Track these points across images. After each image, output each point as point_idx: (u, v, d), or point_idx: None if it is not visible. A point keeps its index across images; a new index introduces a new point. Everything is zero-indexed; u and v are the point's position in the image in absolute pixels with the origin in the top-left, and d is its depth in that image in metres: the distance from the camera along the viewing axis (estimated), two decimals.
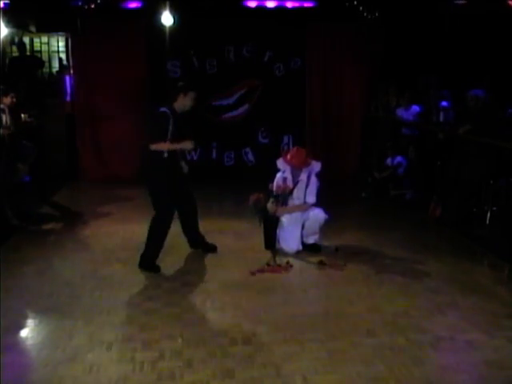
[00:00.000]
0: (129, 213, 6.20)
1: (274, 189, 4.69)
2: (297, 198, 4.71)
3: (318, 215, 4.71)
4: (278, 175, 4.76)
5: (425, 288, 4.03)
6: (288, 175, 4.71)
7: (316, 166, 4.79)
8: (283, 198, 4.63)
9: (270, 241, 4.76)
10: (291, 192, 4.67)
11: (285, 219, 4.71)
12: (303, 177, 4.69)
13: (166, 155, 4.21)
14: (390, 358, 3.01)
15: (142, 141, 4.32)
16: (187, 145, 4.31)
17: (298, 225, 4.72)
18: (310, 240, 4.79)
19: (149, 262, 4.35)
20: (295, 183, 4.69)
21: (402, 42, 7.30)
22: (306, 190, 4.68)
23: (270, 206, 4.66)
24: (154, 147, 4.16)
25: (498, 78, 6.11)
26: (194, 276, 4.28)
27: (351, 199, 7.08)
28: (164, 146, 4.18)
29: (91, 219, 5.93)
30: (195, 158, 7.93)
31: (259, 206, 4.67)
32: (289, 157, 4.71)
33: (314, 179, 4.72)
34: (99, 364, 2.93)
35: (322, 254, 4.69)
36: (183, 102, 4.30)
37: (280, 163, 4.76)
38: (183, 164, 4.53)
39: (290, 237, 4.71)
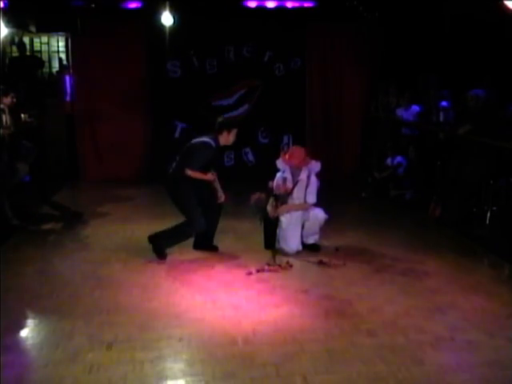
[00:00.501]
0: (129, 213, 6.21)
1: (274, 189, 4.70)
2: (297, 198, 4.71)
3: (317, 215, 4.71)
4: (278, 175, 4.76)
5: (425, 288, 4.03)
6: (288, 175, 4.71)
7: (315, 165, 4.78)
8: (282, 198, 4.64)
9: (270, 240, 4.76)
10: (291, 193, 4.67)
11: (284, 219, 4.70)
12: (303, 176, 4.69)
13: (188, 177, 4.46)
14: (390, 358, 3.00)
15: (180, 167, 4.50)
16: (210, 177, 4.54)
17: (298, 225, 4.71)
18: (310, 240, 4.79)
19: (159, 244, 4.53)
20: (295, 183, 4.69)
21: (401, 41, 7.30)
22: (306, 189, 4.68)
23: (269, 208, 4.67)
24: (189, 173, 4.42)
25: (499, 78, 6.10)
26: (194, 276, 4.27)
27: (351, 199, 7.07)
28: (197, 175, 4.45)
29: (91, 219, 5.93)
30: None
31: (260, 206, 4.67)
32: (287, 156, 4.70)
33: (313, 179, 4.71)
34: (99, 364, 2.93)
35: (322, 253, 4.69)
36: (227, 138, 4.55)
37: (279, 163, 4.76)
38: (219, 190, 4.69)
39: (289, 237, 4.70)
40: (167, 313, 3.58)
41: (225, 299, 3.80)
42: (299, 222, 4.71)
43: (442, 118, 6.33)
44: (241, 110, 7.98)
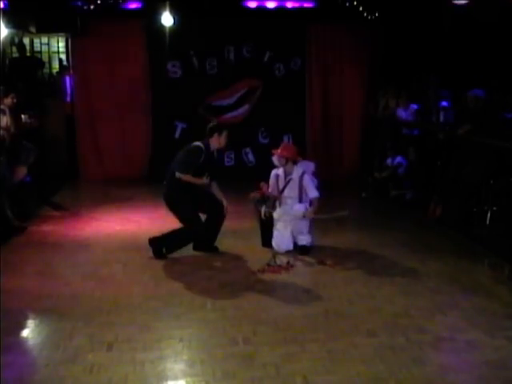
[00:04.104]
0: (129, 213, 6.20)
1: (268, 190, 4.74)
2: (288, 196, 4.71)
3: (297, 211, 4.67)
4: (273, 172, 4.80)
5: (425, 288, 4.03)
6: (281, 173, 4.74)
7: (309, 165, 4.82)
8: (271, 202, 4.72)
9: (266, 239, 4.78)
10: (279, 195, 4.71)
11: (276, 218, 4.71)
12: (295, 176, 4.70)
13: (182, 182, 4.51)
14: (390, 358, 3.00)
15: (172, 173, 4.56)
16: (203, 181, 4.57)
17: (288, 225, 4.70)
18: (301, 241, 4.77)
19: (159, 248, 4.57)
20: (286, 182, 4.70)
21: (401, 41, 7.30)
22: (301, 189, 4.66)
23: (262, 210, 4.76)
24: (178, 175, 4.48)
25: (499, 78, 6.09)
26: (194, 276, 4.26)
27: (351, 199, 7.08)
28: (189, 179, 4.48)
29: (91, 219, 5.92)
30: None
31: (260, 202, 4.74)
32: (279, 150, 4.73)
33: (307, 178, 4.70)
34: (99, 364, 2.92)
35: (322, 254, 4.69)
36: (219, 141, 4.60)
37: (275, 159, 4.78)
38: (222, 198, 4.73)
39: (280, 236, 4.71)
40: (168, 313, 3.58)
41: (225, 299, 3.80)
42: (288, 222, 4.69)
43: (442, 118, 6.33)
44: (241, 110, 7.99)
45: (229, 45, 7.82)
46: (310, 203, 4.73)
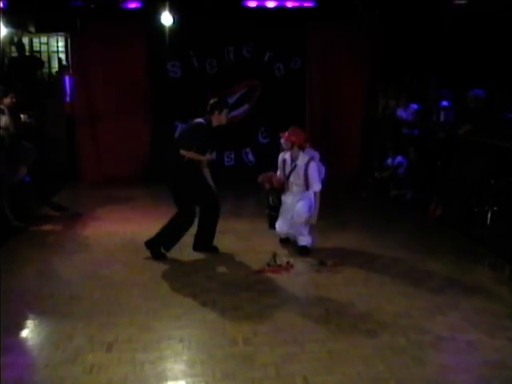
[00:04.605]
0: (129, 213, 6.20)
1: (277, 180, 4.78)
2: (294, 182, 4.71)
3: (300, 211, 4.63)
4: (280, 155, 4.82)
5: (425, 288, 4.03)
6: (288, 158, 4.74)
7: (315, 153, 4.81)
8: (276, 192, 4.77)
9: (273, 223, 4.85)
10: (286, 180, 4.74)
11: (282, 207, 4.75)
12: (300, 163, 4.67)
13: (186, 159, 4.46)
14: (390, 358, 3.00)
15: (172, 142, 4.63)
16: (206, 157, 4.57)
17: (290, 210, 4.70)
18: (301, 241, 4.76)
19: (156, 248, 4.56)
20: (293, 167, 4.70)
21: (401, 41, 7.28)
22: (307, 177, 4.64)
23: (270, 199, 4.83)
24: (183, 152, 4.44)
25: (500, 77, 6.08)
26: (194, 277, 4.26)
27: (351, 199, 7.06)
28: (192, 155, 4.45)
29: (91, 220, 5.92)
30: None
31: (267, 188, 4.83)
32: (286, 134, 4.71)
33: (313, 166, 4.66)
34: (99, 365, 2.92)
35: (322, 254, 4.67)
36: (219, 118, 4.58)
37: (283, 142, 4.77)
38: (206, 170, 4.70)
39: (281, 218, 4.76)
40: (168, 314, 3.57)
41: (225, 300, 3.79)
42: (291, 208, 4.68)
43: (442, 118, 6.32)
44: (241, 110, 7.97)
45: (229, 45, 7.81)
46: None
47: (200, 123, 4.51)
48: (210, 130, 4.55)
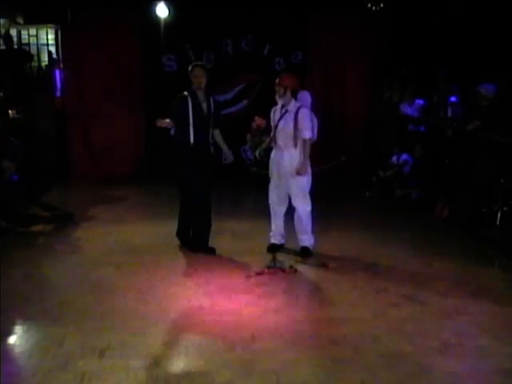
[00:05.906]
0: (122, 214, 6.14)
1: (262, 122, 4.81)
2: (282, 130, 4.54)
3: (303, 212, 4.54)
4: (272, 109, 4.70)
5: (432, 291, 3.91)
6: (278, 106, 4.59)
7: (305, 95, 4.66)
8: (260, 133, 4.77)
9: (261, 184, 4.80)
10: (266, 128, 4.71)
11: (272, 176, 4.65)
12: (291, 108, 4.51)
13: (172, 132, 4.60)
14: (395, 365, 2.91)
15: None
16: (165, 123, 4.59)
17: (280, 184, 4.59)
18: (304, 241, 4.64)
19: (204, 244, 4.67)
20: (282, 113, 4.54)
21: (407, 34, 7.22)
22: (296, 126, 4.47)
23: (257, 152, 4.88)
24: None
25: (511, 72, 5.94)
26: (190, 279, 4.15)
27: (355, 199, 7.01)
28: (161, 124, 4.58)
29: (82, 220, 5.84)
30: None
31: (256, 139, 4.89)
32: (278, 80, 4.55)
33: (305, 111, 4.50)
34: (91, 372, 2.83)
35: (324, 256, 4.60)
36: (192, 81, 4.63)
37: (276, 88, 4.56)
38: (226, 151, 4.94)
39: (274, 195, 4.65)
40: (163, 318, 3.46)
41: (223, 304, 3.69)
42: (283, 183, 4.56)
43: (450, 114, 6.23)
44: (239, 105, 7.90)
45: (227, 37, 7.73)
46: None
47: (180, 95, 4.58)
48: (195, 100, 4.58)
